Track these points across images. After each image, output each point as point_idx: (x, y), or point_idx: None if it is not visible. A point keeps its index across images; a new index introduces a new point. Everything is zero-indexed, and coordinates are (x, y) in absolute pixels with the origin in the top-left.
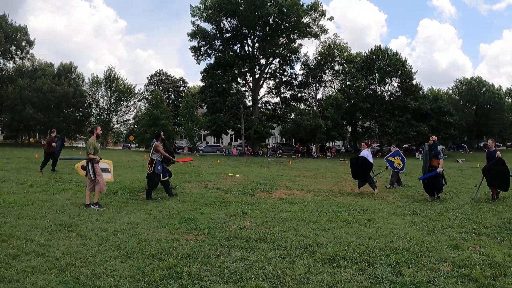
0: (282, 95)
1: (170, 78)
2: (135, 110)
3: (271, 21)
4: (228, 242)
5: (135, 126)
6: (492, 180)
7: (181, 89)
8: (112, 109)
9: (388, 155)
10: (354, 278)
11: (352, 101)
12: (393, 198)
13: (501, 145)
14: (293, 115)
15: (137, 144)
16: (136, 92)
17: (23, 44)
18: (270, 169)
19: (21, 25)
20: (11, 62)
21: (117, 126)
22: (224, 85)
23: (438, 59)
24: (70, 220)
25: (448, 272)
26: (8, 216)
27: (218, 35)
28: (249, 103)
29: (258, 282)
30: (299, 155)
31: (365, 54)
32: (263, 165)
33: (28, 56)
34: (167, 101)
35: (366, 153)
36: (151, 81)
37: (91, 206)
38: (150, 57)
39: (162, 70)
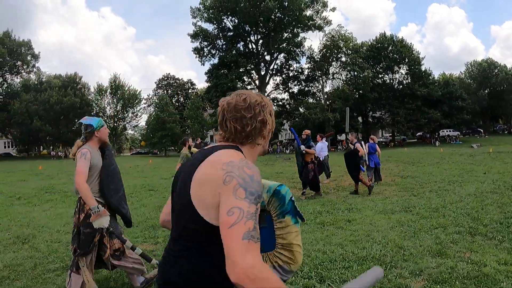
0: (290, 91)
1: (178, 81)
2: (142, 116)
3: (273, 17)
4: None
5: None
6: None
7: (189, 91)
8: (120, 116)
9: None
10: None
11: (360, 91)
12: (390, 192)
13: None
14: (301, 110)
15: (148, 149)
16: (142, 97)
17: (29, 58)
18: (274, 166)
19: (25, 40)
20: (18, 77)
21: (131, 132)
22: (228, 85)
23: (449, 44)
24: (31, 232)
25: None
26: None
27: (220, 35)
28: None
29: None
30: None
31: (370, 43)
32: (269, 163)
33: (35, 69)
34: (176, 104)
35: (321, 145)
36: (159, 85)
37: None
38: (161, 62)
39: (169, 73)
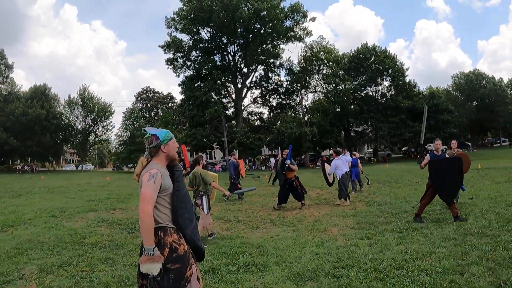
0: (268, 104)
1: (158, 95)
2: (113, 129)
3: (251, 27)
4: None
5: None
6: None
7: (169, 105)
8: (90, 130)
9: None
10: None
11: (341, 105)
12: (338, 230)
13: (506, 140)
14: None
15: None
16: (113, 110)
17: (2, 67)
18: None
19: None
20: None
21: (100, 146)
22: (203, 97)
23: (438, 59)
24: None
25: None
26: None
27: (195, 46)
28: (233, 115)
29: None
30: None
31: (352, 54)
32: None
33: (8, 80)
34: (156, 118)
35: (335, 163)
36: (139, 98)
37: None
38: (152, 76)
39: (149, 87)
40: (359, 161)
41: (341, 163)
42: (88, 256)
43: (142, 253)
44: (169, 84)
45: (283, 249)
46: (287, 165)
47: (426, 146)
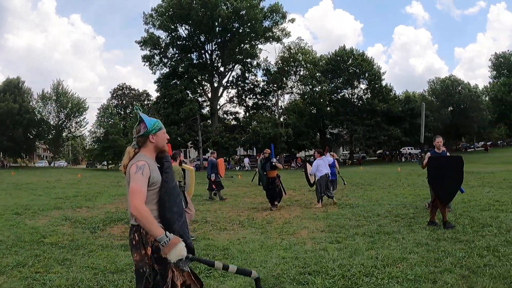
0: (244, 104)
1: (133, 92)
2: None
3: (229, 26)
4: None
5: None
6: None
7: (145, 102)
8: (63, 126)
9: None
10: None
11: (317, 106)
12: (308, 233)
13: (480, 145)
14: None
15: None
16: (87, 106)
17: None
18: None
19: None
20: None
21: (74, 143)
22: (178, 95)
23: (415, 65)
24: None
25: None
26: None
27: (173, 43)
28: (208, 114)
29: None
30: None
31: (329, 56)
32: (204, 181)
33: None
34: (131, 115)
35: (317, 163)
36: (114, 95)
37: None
38: (130, 73)
39: (125, 83)
40: (336, 161)
41: (323, 164)
42: (45, 257)
43: (140, 249)
44: (146, 81)
45: (248, 253)
46: (273, 163)
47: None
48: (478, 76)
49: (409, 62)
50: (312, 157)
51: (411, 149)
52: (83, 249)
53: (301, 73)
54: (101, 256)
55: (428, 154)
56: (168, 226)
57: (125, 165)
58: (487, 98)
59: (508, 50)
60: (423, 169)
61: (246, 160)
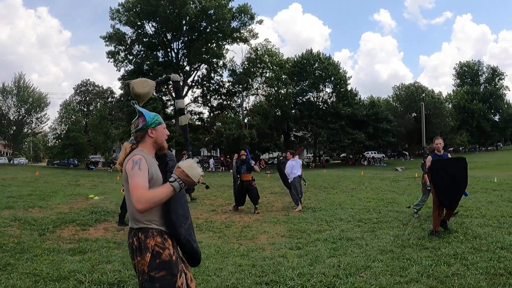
0: (209, 104)
1: (97, 88)
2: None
3: (197, 25)
4: None
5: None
6: None
7: (109, 99)
8: (23, 122)
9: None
10: None
11: (281, 108)
12: (267, 238)
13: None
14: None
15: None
16: (49, 102)
17: None
18: None
19: None
20: None
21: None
22: None
23: (380, 71)
24: None
25: None
26: None
27: (138, 40)
28: (172, 113)
29: None
30: (223, 168)
31: (296, 59)
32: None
33: None
34: (93, 112)
35: (291, 164)
36: (78, 91)
37: None
38: (95, 69)
39: (89, 79)
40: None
41: (297, 164)
42: None
43: (138, 256)
44: (112, 79)
45: (203, 259)
46: (252, 166)
47: (367, 152)
48: (442, 83)
49: (375, 68)
50: (276, 158)
51: (375, 153)
52: (28, 253)
53: (267, 75)
54: (46, 262)
55: (430, 157)
56: (173, 229)
57: (120, 162)
58: (450, 106)
59: (472, 60)
60: (425, 175)
61: (211, 161)
